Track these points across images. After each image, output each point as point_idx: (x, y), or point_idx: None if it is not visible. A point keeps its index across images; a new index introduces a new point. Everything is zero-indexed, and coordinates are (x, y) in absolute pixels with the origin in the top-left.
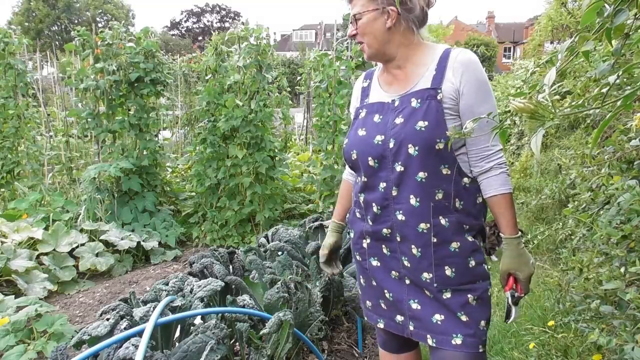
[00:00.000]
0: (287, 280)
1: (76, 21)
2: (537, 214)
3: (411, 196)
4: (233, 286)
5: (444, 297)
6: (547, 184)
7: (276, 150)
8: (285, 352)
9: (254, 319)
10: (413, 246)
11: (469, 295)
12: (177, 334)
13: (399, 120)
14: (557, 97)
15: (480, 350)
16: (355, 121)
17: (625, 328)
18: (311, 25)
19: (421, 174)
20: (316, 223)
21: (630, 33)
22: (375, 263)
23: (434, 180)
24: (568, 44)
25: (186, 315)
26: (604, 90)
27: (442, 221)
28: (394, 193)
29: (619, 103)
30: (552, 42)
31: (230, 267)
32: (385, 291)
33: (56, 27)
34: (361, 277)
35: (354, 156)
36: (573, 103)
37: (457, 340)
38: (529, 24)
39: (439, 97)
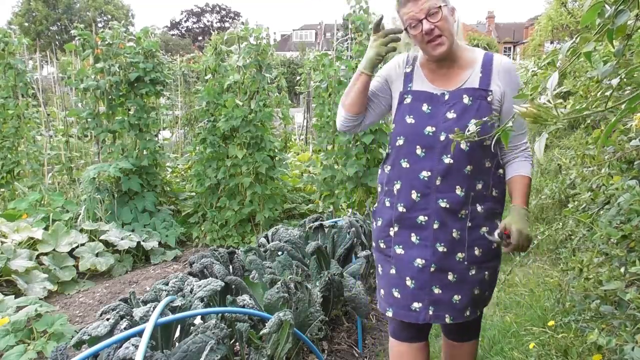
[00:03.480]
0: (287, 280)
1: (76, 22)
2: (537, 214)
3: (457, 187)
4: (233, 286)
5: (470, 274)
6: (547, 184)
7: (276, 150)
8: (285, 352)
9: (254, 319)
10: (454, 230)
11: (486, 272)
12: (177, 334)
13: (451, 115)
14: (560, 100)
15: (478, 313)
16: (400, 106)
17: (625, 328)
18: (311, 25)
19: (468, 167)
20: (316, 223)
21: (632, 34)
22: (399, 251)
23: (477, 173)
24: (569, 45)
25: (186, 315)
26: (607, 93)
27: (478, 208)
28: (438, 183)
29: (623, 106)
30: (552, 42)
31: (230, 267)
32: (407, 279)
33: (56, 27)
34: (379, 265)
35: (400, 142)
36: (577, 106)
37: (467, 312)
38: (529, 24)
39: (489, 99)
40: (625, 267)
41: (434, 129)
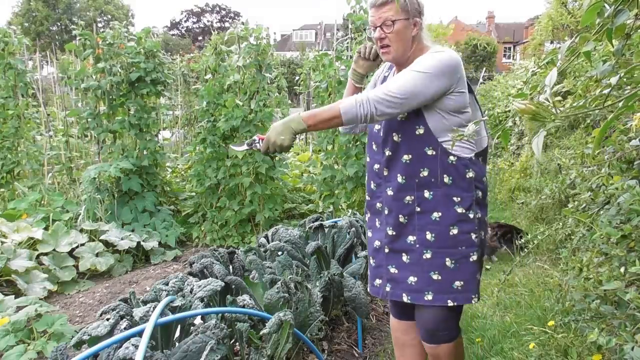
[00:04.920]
0: (287, 280)
1: (77, 22)
2: (537, 214)
3: (398, 175)
4: (233, 286)
5: (424, 258)
6: (547, 184)
7: None
8: (285, 352)
9: (254, 319)
10: (400, 215)
11: (447, 258)
12: (177, 334)
13: None
14: (559, 98)
15: (449, 304)
16: None
17: (625, 328)
18: (311, 25)
19: (405, 157)
20: (316, 223)
21: (631, 33)
22: (369, 234)
23: (418, 161)
24: (568, 44)
25: (186, 315)
26: (606, 91)
27: (426, 194)
28: (385, 173)
29: (620, 104)
30: (552, 42)
31: (230, 267)
32: (370, 258)
33: (56, 28)
34: None
35: (367, 141)
36: (574, 104)
37: (429, 297)
38: (528, 24)
39: None
40: (625, 267)
41: (379, 126)
